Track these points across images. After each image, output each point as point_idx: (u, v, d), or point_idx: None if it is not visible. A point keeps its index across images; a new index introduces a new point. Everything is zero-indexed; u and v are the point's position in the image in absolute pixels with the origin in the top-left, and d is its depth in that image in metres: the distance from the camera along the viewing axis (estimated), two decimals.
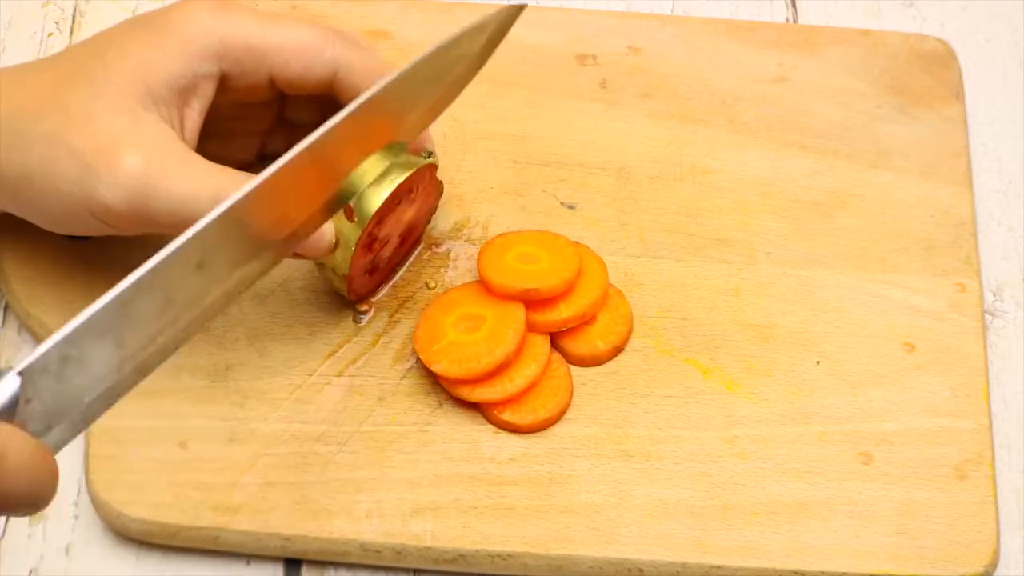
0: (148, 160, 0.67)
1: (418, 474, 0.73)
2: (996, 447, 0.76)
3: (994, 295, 0.82)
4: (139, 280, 0.59)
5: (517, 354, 0.74)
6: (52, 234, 0.78)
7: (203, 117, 0.71)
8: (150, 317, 0.59)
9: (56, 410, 0.56)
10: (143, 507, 0.71)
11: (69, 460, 0.75)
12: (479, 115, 0.83)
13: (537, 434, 0.74)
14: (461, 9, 0.87)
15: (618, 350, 0.77)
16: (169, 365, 0.74)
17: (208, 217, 0.60)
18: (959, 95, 0.85)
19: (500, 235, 0.78)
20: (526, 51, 0.85)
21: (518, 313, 0.74)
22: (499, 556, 0.72)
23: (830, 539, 0.72)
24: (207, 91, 0.71)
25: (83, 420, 0.58)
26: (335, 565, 0.73)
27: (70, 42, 0.87)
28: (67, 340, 0.56)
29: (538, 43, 0.86)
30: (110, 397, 0.59)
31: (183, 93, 0.70)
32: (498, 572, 0.72)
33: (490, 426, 0.74)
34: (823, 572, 0.72)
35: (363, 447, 0.74)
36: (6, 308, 0.79)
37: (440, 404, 0.75)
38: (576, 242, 0.78)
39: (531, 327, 0.75)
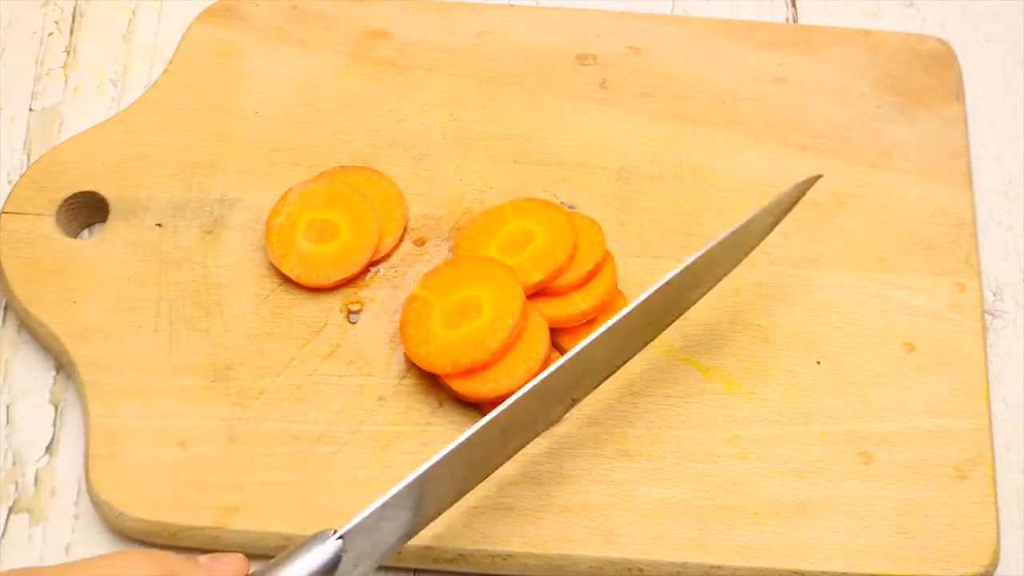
0: None
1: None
2: (996, 447, 0.76)
3: (994, 295, 0.82)
4: (445, 457, 0.65)
5: (514, 342, 0.74)
6: (52, 234, 0.78)
7: None
8: (451, 484, 0.67)
9: (364, 554, 0.64)
10: (143, 507, 0.71)
11: (69, 460, 0.75)
12: (479, 115, 0.83)
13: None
14: (461, 9, 0.87)
15: None
16: (169, 365, 0.75)
17: (519, 393, 0.66)
18: (959, 95, 0.85)
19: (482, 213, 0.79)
20: (526, 51, 0.85)
21: (512, 295, 0.74)
22: (499, 556, 0.72)
23: (830, 539, 0.72)
24: None
25: (383, 557, 0.66)
26: None
27: (70, 42, 0.87)
28: (383, 507, 0.64)
29: (538, 43, 0.86)
30: (409, 538, 0.67)
31: None
32: (498, 572, 0.72)
33: None
34: (823, 572, 0.72)
35: (363, 447, 0.74)
36: (6, 308, 0.79)
37: (440, 404, 0.75)
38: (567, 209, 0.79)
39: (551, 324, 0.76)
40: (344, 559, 0.63)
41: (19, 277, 0.77)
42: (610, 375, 0.72)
